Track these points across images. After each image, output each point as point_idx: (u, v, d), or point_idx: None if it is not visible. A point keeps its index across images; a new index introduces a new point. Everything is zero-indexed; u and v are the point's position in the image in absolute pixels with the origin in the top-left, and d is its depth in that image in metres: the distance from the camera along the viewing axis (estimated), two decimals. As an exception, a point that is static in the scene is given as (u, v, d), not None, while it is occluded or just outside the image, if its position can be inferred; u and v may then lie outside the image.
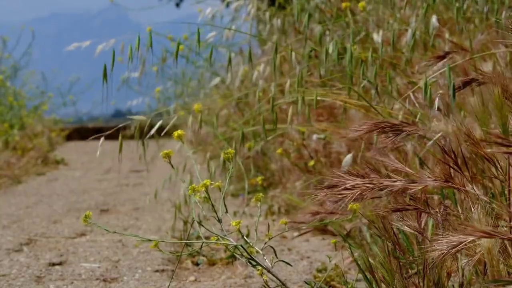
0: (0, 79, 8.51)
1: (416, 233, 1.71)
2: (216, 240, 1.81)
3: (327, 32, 3.23)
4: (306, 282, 2.01)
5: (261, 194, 1.88)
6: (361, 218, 2.47)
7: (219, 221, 1.81)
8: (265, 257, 1.84)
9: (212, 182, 1.79)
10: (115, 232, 1.88)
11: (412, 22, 2.81)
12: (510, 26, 1.78)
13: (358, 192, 1.62)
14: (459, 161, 1.62)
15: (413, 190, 1.62)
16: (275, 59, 2.50)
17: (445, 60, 2.20)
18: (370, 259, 1.79)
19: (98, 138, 2.29)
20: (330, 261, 2.08)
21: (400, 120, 1.84)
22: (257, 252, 1.83)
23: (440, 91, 2.10)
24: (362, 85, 2.50)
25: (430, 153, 2.12)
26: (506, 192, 1.62)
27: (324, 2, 3.36)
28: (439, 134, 1.88)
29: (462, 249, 1.48)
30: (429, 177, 1.62)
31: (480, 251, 1.53)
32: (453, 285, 1.75)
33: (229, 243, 1.80)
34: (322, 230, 3.25)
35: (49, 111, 10.72)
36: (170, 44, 4.20)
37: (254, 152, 3.94)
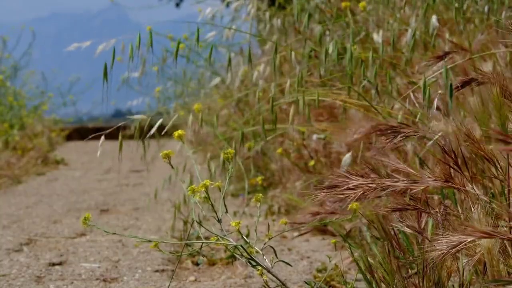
0: (0, 79, 8.51)
1: (416, 233, 1.71)
2: (216, 240, 1.81)
3: (327, 32, 3.23)
4: (306, 282, 2.01)
5: (261, 194, 1.88)
6: (361, 218, 2.47)
7: (219, 221, 1.81)
8: (265, 257, 1.84)
9: (212, 182, 1.79)
10: (114, 233, 1.88)
11: (412, 22, 2.81)
12: (510, 26, 1.78)
13: (361, 192, 1.62)
14: (459, 161, 1.62)
15: (415, 190, 1.62)
16: (275, 59, 2.50)
17: (445, 60, 2.20)
18: (370, 259, 1.79)
19: (98, 137, 2.28)
20: (330, 261, 2.08)
21: (397, 122, 1.84)
22: (257, 252, 1.83)
23: (440, 91, 2.10)
24: (362, 85, 2.50)
25: (430, 153, 2.12)
26: (506, 192, 1.62)
27: (324, 2, 3.35)
28: (439, 134, 1.88)
29: (462, 249, 1.48)
30: (429, 177, 1.62)
31: (480, 251, 1.53)
32: (453, 285, 1.75)
33: (229, 243, 1.80)
34: (322, 230, 3.25)
35: (49, 111, 10.72)
36: (170, 44, 4.21)
37: (254, 152, 3.94)
